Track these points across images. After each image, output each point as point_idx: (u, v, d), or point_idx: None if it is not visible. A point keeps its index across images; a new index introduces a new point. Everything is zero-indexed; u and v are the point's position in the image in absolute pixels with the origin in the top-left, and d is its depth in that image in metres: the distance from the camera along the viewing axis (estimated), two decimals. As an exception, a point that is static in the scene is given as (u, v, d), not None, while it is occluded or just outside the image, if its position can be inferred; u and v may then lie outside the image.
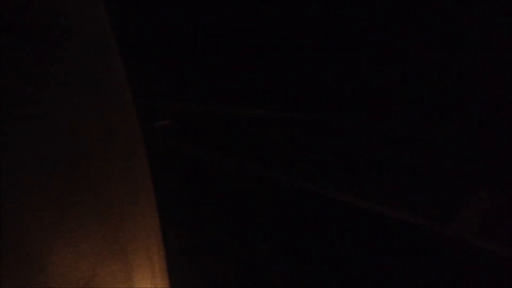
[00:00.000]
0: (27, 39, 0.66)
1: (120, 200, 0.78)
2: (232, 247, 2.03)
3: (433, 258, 1.77)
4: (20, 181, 0.66)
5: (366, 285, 1.66)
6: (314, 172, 3.05)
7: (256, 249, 1.99)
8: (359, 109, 3.91)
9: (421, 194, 2.43)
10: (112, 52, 0.84)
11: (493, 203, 2.18)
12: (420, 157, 3.03)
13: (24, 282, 0.66)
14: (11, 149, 0.65)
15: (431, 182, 2.58)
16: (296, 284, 1.72)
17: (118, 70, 0.85)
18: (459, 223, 2.02)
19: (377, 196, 2.47)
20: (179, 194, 2.76)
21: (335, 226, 2.15)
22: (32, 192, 0.67)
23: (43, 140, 0.68)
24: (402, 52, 3.99)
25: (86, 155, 0.73)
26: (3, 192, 0.64)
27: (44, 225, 0.67)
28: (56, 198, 0.69)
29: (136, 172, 0.84)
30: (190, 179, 3.17)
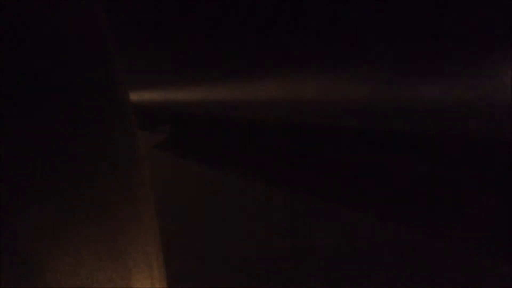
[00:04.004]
0: (33, 42, 0.67)
1: (120, 206, 0.78)
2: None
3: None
4: (19, 187, 0.66)
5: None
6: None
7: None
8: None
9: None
10: (113, 58, 0.84)
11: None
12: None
13: (22, 289, 0.66)
14: (10, 154, 0.65)
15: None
16: None
17: (118, 76, 0.85)
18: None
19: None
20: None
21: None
22: (31, 198, 0.67)
23: (42, 145, 0.68)
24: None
25: (86, 161, 0.73)
26: (1, 198, 0.64)
27: (43, 231, 0.67)
28: (55, 203, 0.69)
29: (136, 179, 0.84)
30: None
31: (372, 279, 1.70)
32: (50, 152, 0.69)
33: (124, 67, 0.90)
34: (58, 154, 0.69)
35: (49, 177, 0.68)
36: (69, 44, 0.73)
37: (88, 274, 0.71)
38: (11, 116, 0.64)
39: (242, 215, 2.24)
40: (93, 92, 0.77)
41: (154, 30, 1.41)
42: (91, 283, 0.71)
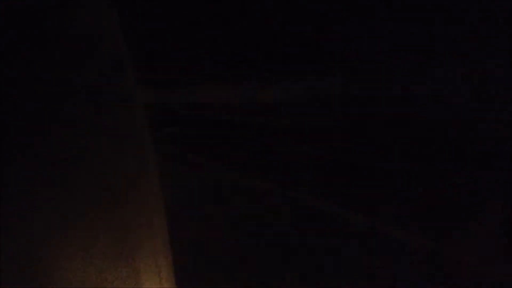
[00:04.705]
0: (47, 46, 0.68)
1: (129, 206, 0.79)
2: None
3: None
4: (28, 186, 0.66)
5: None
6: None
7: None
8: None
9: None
10: (124, 58, 0.85)
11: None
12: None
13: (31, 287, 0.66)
14: (18, 153, 0.66)
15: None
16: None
17: (129, 76, 0.86)
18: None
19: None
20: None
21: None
22: (41, 197, 0.67)
23: (52, 146, 0.69)
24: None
25: (95, 161, 0.74)
26: (11, 197, 0.65)
27: (53, 230, 0.68)
28: (65, 203, 0.69)
29: (144, 179, 0.85)
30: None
31: (372, 280, 1.69)
32: (60, 152, 0.69)
33: (136, 68, 0.90)
34: (68, 155, 0.70)
35: (59, 178, 0.69)
36: (82, 46, 0.74)
37: (97, 273, 0.71)
38: (17, 116, 0.65)
39: (242, 214, 2.25)
40: (105, 92, 0.77)
41: (166, 33, 1.42)
42: (100, 282, 0.72)
